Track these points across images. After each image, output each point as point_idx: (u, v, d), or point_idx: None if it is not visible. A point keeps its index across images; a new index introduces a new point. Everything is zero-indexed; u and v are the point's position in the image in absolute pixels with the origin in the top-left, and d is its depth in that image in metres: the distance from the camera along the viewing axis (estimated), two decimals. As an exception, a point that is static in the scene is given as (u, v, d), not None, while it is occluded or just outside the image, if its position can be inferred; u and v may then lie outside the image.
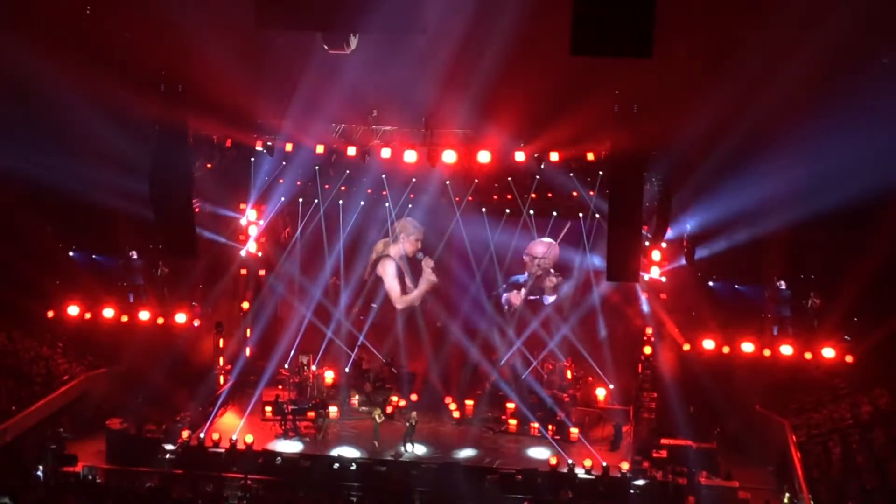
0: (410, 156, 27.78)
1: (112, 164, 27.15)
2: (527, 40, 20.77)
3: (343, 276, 32.35)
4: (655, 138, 24.13)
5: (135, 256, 30.82)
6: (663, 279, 29.59)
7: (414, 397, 30.77)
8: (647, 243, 28.19)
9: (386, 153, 27.92)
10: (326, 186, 31.33)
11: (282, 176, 30.66)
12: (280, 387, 30.60)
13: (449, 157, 27.44)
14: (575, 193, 29.93)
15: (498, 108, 25.13)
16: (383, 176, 30.49)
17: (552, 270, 31.62)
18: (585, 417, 29.95)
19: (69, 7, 21.89)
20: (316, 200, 31.56)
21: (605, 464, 25.82)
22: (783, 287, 28.90)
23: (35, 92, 24.46)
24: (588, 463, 25.78)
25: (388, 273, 32.02)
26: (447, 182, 30.47)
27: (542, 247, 31.51)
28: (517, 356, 31.56)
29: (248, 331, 32.28)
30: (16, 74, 24.03)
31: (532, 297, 31.95)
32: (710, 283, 30.16)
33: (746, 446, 27.66)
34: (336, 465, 25.44)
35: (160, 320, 30.52)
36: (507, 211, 31.26)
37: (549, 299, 31.82)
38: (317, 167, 30.36)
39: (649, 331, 29.77)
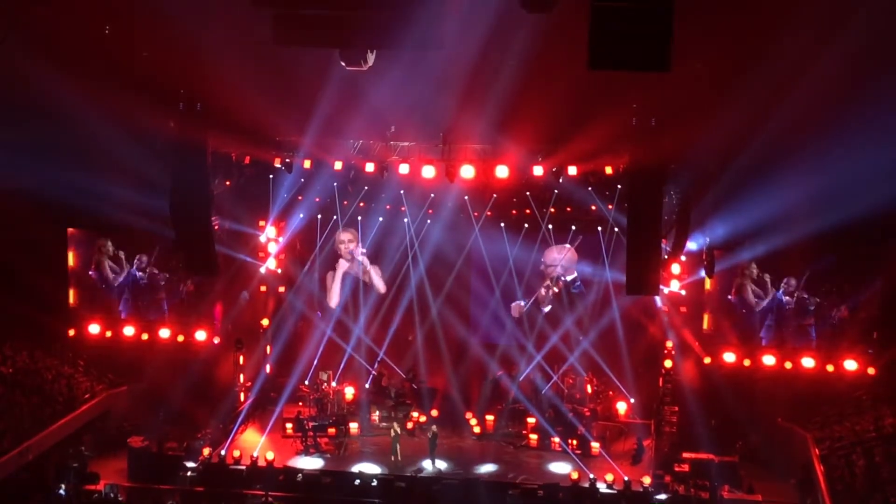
0: (429, 171, 27.72)
1: (132, 182, 27.29)
2: (544, 55, 20.64)
3: (362, 293, 32.43)
4: (674, 151, 24.10)
5: (156, 272, 30.98)
6: (683, 292, 29.52)
7: (434, 413, 30.68)
8: (666, 256, 28.10)
9: (404, 169, 27.85)
10: (345, 203, 31.42)
11: (301, 193, 30.83)
12: (300, 403, 30.64)
13: (467, 172, 27.43)
14: (593, 207, 29.95)
15: (516, 123, 25.02)
16: (402, 192, 30.57)
17: (555, 278, 31.60)
18: (606, 431, 29.92)
19: (89, 27, 21.93)
20: (335, 217, 31.64)
21: (626, 478, 25.76)
22: (805, 297, 28.76)
23: (56, 112, 24.55)
24: (610, 477, 25.76)
25: (335, 282, 32.54)
26: (466, 197, 30.51)
27: (555, 252, 31.51)
28: (537, 371, 31.50)
29: (269, 347, 32.38)
30: (36, 94, 24.15)
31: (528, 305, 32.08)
32: (730, 297, 30.05)
33: (769, 460, 27.54)
34: (357, 482, 25.43)
35: (180, 338, 30.71)
36: (526, 225, 31.27)
37: (545, 309, 31.91)
38: (335, 184, 30.44)
39: (669, 344, 29.70)
